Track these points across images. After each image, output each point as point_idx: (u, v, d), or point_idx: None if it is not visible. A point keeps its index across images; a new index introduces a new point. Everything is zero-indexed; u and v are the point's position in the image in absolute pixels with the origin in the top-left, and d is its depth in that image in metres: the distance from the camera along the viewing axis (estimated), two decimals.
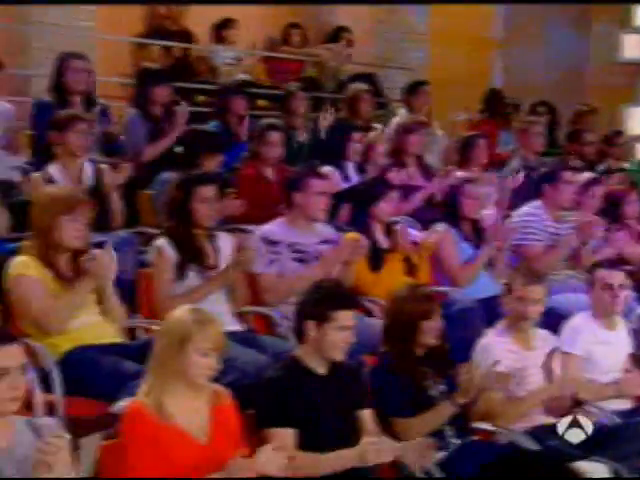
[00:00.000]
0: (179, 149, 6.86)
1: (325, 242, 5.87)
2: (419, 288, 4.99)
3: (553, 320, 5.55)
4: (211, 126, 7.84)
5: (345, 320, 4.28)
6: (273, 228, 5.85)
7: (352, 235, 5.86)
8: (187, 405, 3.80)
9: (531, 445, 4.74)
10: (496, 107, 10.83)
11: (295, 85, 9.09)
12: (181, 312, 3.86)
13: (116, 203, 6.30)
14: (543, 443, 4.78)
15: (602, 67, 12.86)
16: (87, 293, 4.74)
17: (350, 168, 7.65)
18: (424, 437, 4.38)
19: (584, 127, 10.24)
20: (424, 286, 5.23)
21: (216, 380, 3.92)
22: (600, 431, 4.82)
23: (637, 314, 6.27)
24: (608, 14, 12.90)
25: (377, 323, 5.16)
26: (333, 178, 7.02)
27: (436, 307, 4.88)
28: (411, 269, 6.20)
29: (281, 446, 3.89)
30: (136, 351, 4.55)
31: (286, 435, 4.13)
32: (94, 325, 4.76)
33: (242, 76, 10.05)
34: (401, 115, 9.47)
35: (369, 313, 5.76)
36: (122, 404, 4.14)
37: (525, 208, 7.12)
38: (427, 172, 7.98)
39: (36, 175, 6.13)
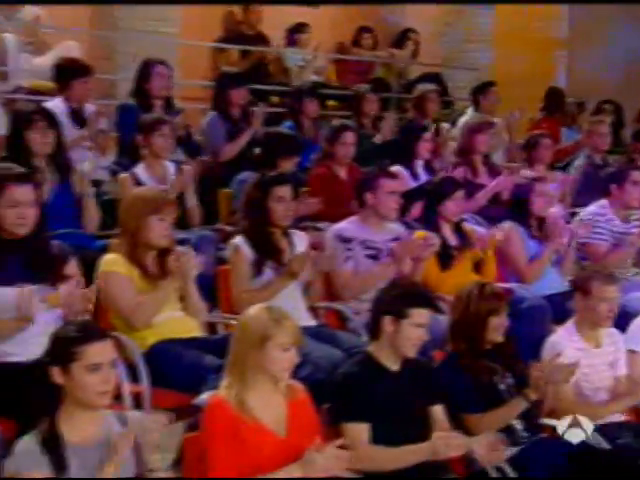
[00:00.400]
0: (257, 150, 6.96)
1: (396, 239, 5.93)
2: (486, 285, 4.94)
3: (622, 319, 5.51)
4: (285, 126, 7.98)
5: (421, 318, 4.35)
6: (346, 226, 5.94)
7: (422, 233, 5.94)
8: (266, 399, 3.85)
9: (602, 443, 4.74)
10: (557, 105, 10.81)
11: (365, 86, 9.24)
12: (257, 311, 3.90)
13: (192, 201, 6.43)
14: (614, 442, 4.78)
15: None
16: (171, 290, 4.84)
17: (419, 167, 7.70)
18: (494, 433, 4.39)
19: None
20: (491, 283, 5.15)
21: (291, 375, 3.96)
22: None
23: None
24: None
25: (445, 320, 5.15)
26: (403, 178, 7.07)
27: (503, 304, 4.85)
28: (479, 266, 6.25)
29: (352, 442, 3.98)
30: (216, 345, 4.62)
31: (360, 430, 4.20)
32: (177, 320, 4.86)
33: (314, 77, 10.15)
34: (469, 114, 9.58)
35: (437, 310, 5.86)
36: (204, 397, 4.25)
37: (592, 207, 7.11)
38: (493, 171, 8.00)
39: (124, 175, 6.29)
